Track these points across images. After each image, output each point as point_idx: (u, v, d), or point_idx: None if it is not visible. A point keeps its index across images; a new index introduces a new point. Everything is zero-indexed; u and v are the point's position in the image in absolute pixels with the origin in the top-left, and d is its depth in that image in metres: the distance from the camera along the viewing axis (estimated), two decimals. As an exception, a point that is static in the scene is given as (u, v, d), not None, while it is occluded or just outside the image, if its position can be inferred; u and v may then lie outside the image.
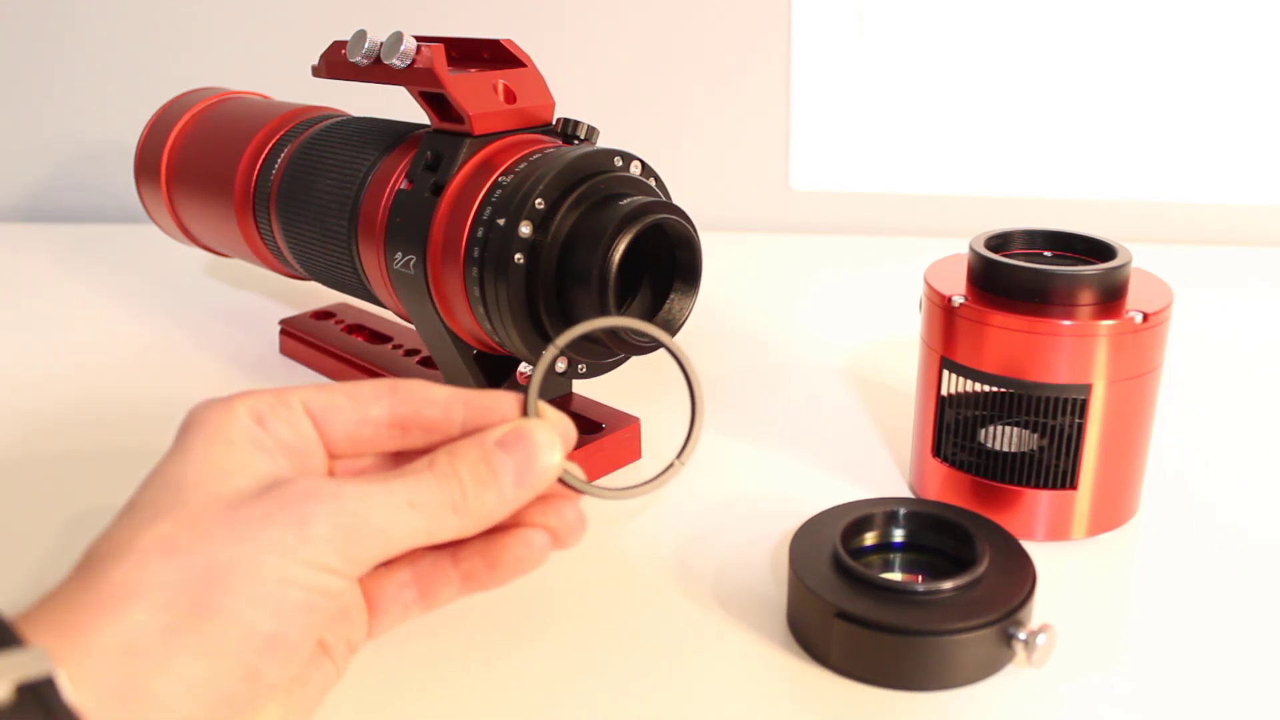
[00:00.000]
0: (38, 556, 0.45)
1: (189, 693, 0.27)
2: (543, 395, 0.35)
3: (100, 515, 0.30)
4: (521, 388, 0.34)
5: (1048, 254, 0.48)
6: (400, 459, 0.35)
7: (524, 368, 0.51)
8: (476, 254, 0.45)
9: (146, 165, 0.67)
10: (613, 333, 0.44)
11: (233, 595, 0.27)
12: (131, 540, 0.28)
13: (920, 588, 0.38)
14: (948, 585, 0.37)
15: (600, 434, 0.52)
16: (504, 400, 0.34)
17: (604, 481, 0.51)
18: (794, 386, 0.63)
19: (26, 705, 0.24)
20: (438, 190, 0.48)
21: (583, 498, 0.35)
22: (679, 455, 0.35)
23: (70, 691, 0.25)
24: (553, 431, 0.33)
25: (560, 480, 0.33)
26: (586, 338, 0.46)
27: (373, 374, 0.61)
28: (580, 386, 0.57)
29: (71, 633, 0.26)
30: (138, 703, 0.26)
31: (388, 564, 0.35)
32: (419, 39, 0.48)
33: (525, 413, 0.34)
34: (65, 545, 0.46)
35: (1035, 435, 0.47)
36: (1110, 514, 0.46)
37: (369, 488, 0.30)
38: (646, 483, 0.34)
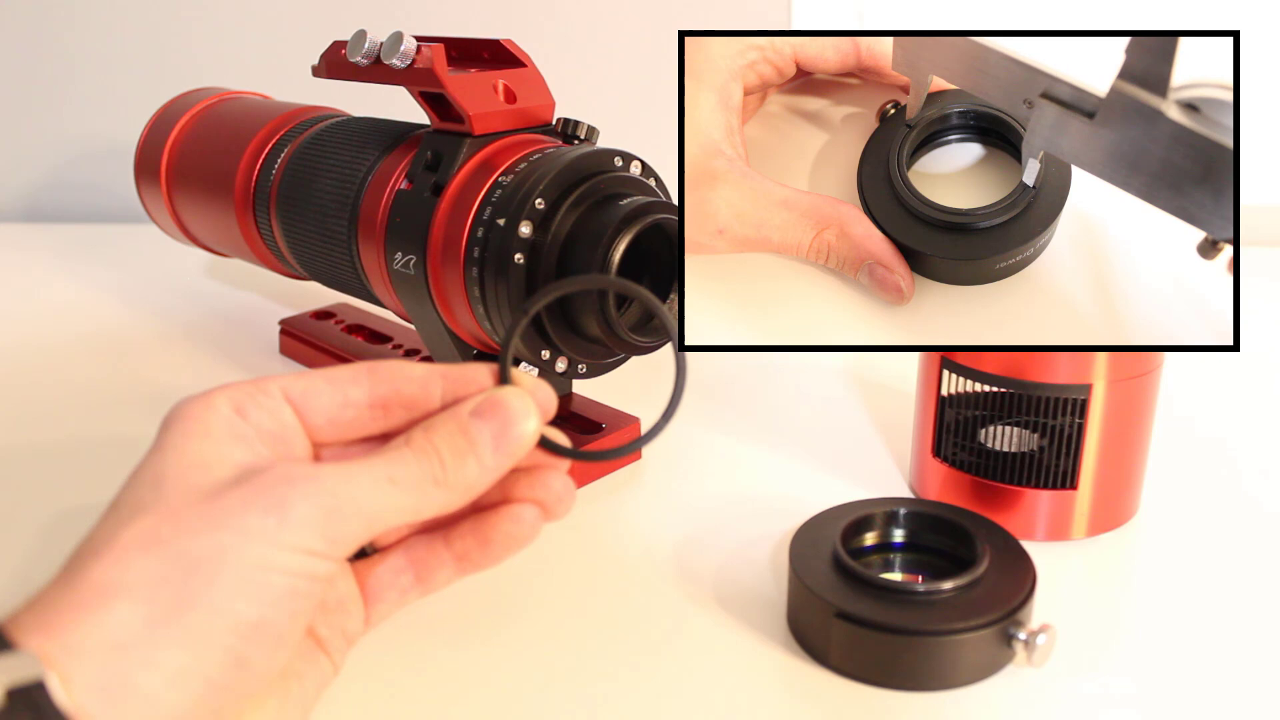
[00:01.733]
0: (34, 555, 0.45)
1: (176, 685, 0.27)
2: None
3: (97, 514, 0.30)
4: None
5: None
6: (384, 441, 0.35)
7: (524, 367, 0.51)
8: (476, 254, 0.45)
9: (146, 165, 0.67)
10: (612, 332, 0.44)
11: (215, 585, 0.27)
12: (112, 537, 0.28)
13: (920, 588, 0.38)
14: (948, 585, 0.37)
15: (600, 434, 0.52)
16: (480, 371, 0.34)
17: (604, 481, 0.51)
18: (794, 386, 0.63)
19: (18, 709, 0.24)
20: (438, 190, 0.48)
21: (569, 467, 0.35)
22: (663, 416, 0.35)
23: (61, 694, 0.25)
24: (528, 397, 0.33)
25: (541, 446, 0.33)
26: (586, 337, 0.46)
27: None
28: (580, 386, 0.57)
29: (56, 632, 0.26)
30: (126, 698, 0.26)
31: (381, 550, 0.35)
32: (419, 39, 0.48)
33: (501, 381, 0.34)
34: (61, 543, 0.46)
35: (1035, 435, 0.47)
36: (1110, 514, 0.46)
37: (348, 468, 0.30)
38: (629, 445, 0.34)
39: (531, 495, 0.34)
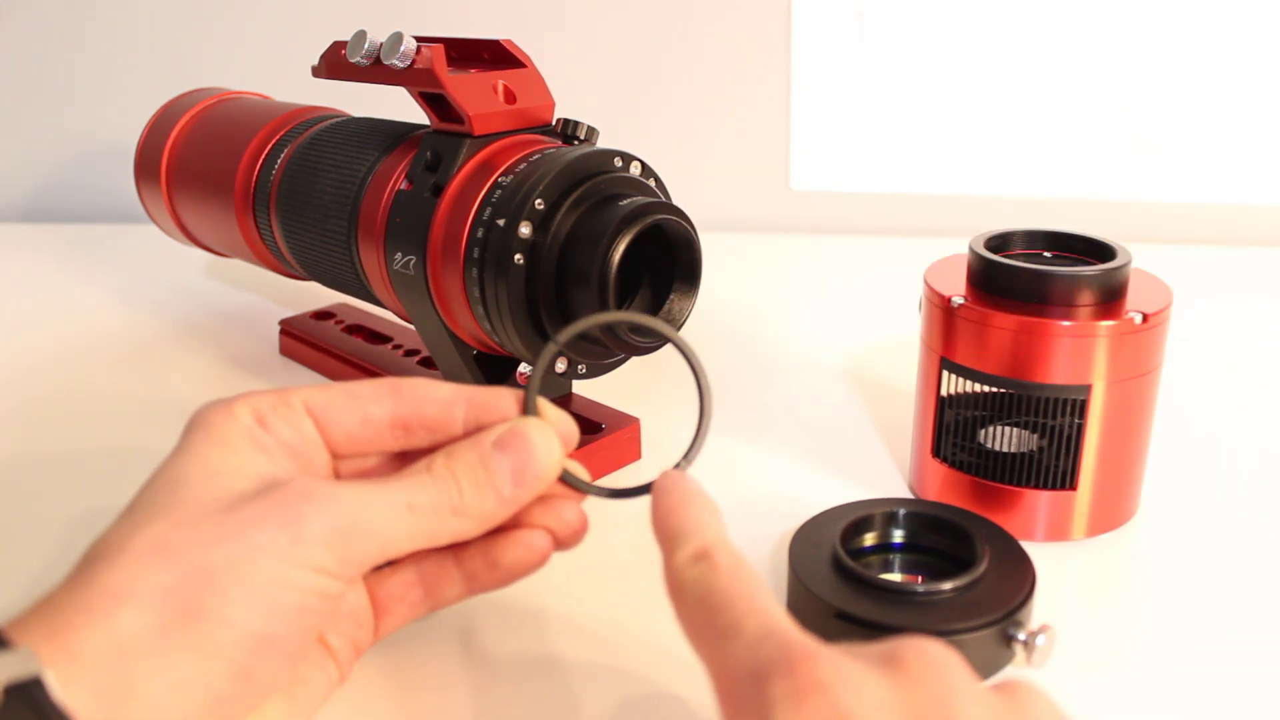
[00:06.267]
0: (37, 557, 0.45)
1: (180, 694, 0.27)
2: (543, 395, 0.35)
3: (100, 516, 0.30)
4: (522, 388, 0.34)
5: (1047, 254, 0.48)
6: (405, 458, 0.35)
7: (523, 368, 0.51)
8: (476, 254, 0.45)
9: (146, 165, 0.67)
10: (612, 333, 0.44)
11: (225, 597, 0.27)
12: (125, 542, 0.28)
13: (920, 588, 0.38)
14: (947, 586, 0.37)
15: (600, 434, 0.52)
16: (505, 398, 0.34)
17: (605, 482, 0.51)
18: (794, 386, 0.63)
19: (16, 706, 0.24)
20: (438, 191, 0.48)
21: (585, 498, 0.35)
22: (685, 456, 0.35)
23: (59, 691, 0.25)
24: (551, 431, 0.33)
25: (561, 480, 0.33)
26: (586, 338, 0.46)
27: (372, 374, 0.61)
28: (580, 386, 0.57)
29: (63, 635, 0.26)
30: (129, 704, 0.26)
31: (393, 564, 0.35)
32: (419, 39, 0.48)
33: (525, 411, 0.34)
34: (65, 546, 0.46)
35: (1035, 436, 0.47)
36: (1110, 514, 0.46)
37: (366, 489, 0.30)
38: (650, 483, 0.34)
39: (544, 522, 0.35)
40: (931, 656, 0.25)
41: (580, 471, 0.34)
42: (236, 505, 0.29)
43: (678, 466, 0.34)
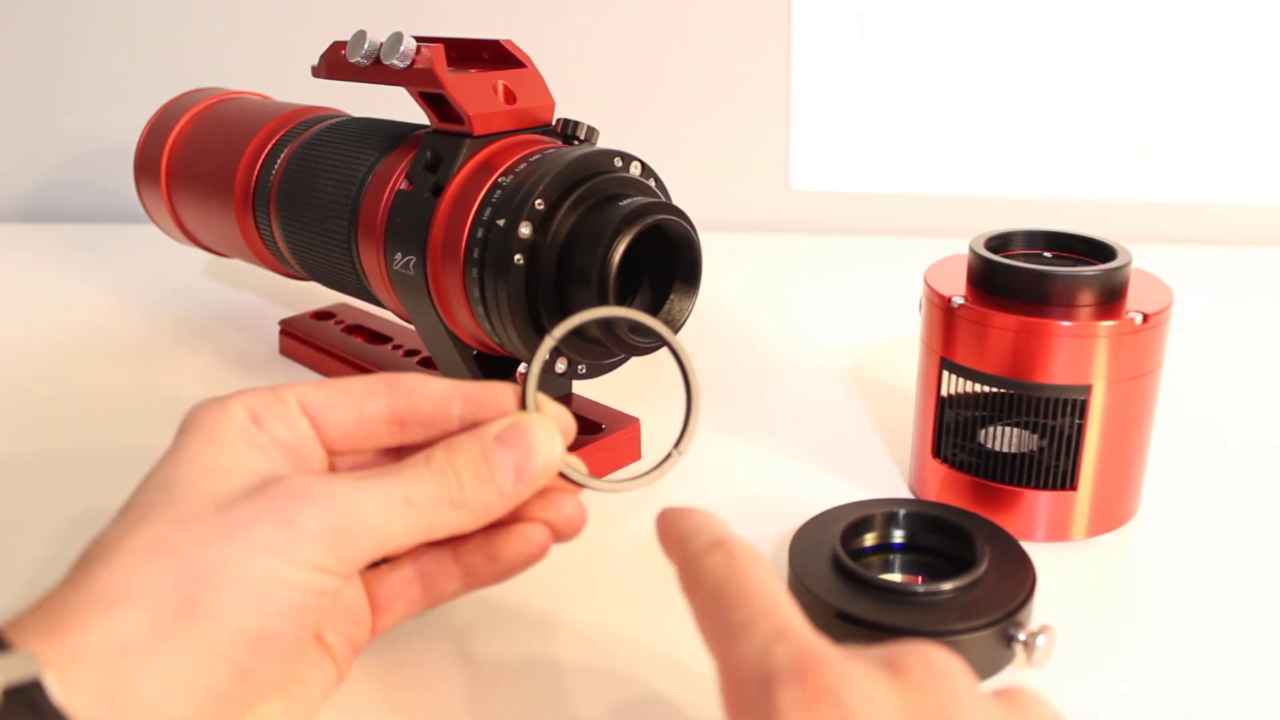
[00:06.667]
0: (36, 557, 0.45)
1: (179, 693, 0.27)
2: (541, 392, 0.35)
3: (99, 516, 0.30)
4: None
5: (1048, 254, 0.48)
6: (400, 454, 0.34)
7: (523, 368, 0.51)
8: (476, 254, 0.45)
9: (146, 165, 0.67)
10: (611, 333, 0.44)
11: (221, 595, 0.27)
12: (121, 542, 0.28)
13: (920, 589, 0.38)
14: (947, 586, 0.37)
15: (600, 434, 0.52)
16: (501, 393, 0.34)
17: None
18: (794, 386, 0.63)
19: (15, 709, 0.24)
20: (438, 191, 0.48)
21: (583, 490, 0.35)
22: (676, 445, 0.35)
23: (58, 694, 0.25)
24: (554, 426, 0.33)
25: (560, 474, 0.33)
26: (586, 337, 0.46)
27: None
28: (580, 387, 0.57)
29: (60, 636, 0.26)
30: (127, 705, 0.26)
31: (391, 560, 0.35)
32: (419, 39, 0.48)
33: (523, 406, 0.33)
34: (63, 546, 0.46)
35: (1035, 436, 0.47)
36: (1110, 514, 0.46)
37: (363, 485, 0.30)
38: (645, 474, 0.34)
39: (543, 515, 0.34)
40: (934, 663, 0.25)
41: (578, 464, 0.34)
42: (232, 503, 0.29)
43: (669, 456, 0.34)
